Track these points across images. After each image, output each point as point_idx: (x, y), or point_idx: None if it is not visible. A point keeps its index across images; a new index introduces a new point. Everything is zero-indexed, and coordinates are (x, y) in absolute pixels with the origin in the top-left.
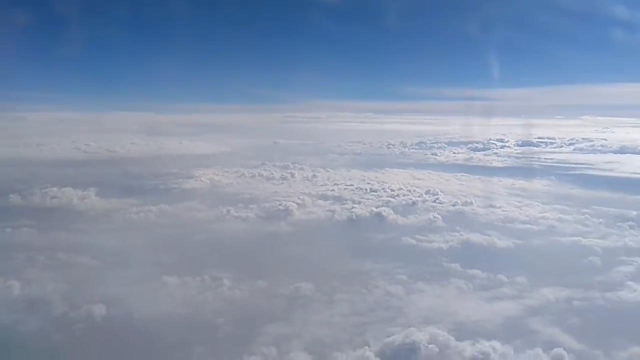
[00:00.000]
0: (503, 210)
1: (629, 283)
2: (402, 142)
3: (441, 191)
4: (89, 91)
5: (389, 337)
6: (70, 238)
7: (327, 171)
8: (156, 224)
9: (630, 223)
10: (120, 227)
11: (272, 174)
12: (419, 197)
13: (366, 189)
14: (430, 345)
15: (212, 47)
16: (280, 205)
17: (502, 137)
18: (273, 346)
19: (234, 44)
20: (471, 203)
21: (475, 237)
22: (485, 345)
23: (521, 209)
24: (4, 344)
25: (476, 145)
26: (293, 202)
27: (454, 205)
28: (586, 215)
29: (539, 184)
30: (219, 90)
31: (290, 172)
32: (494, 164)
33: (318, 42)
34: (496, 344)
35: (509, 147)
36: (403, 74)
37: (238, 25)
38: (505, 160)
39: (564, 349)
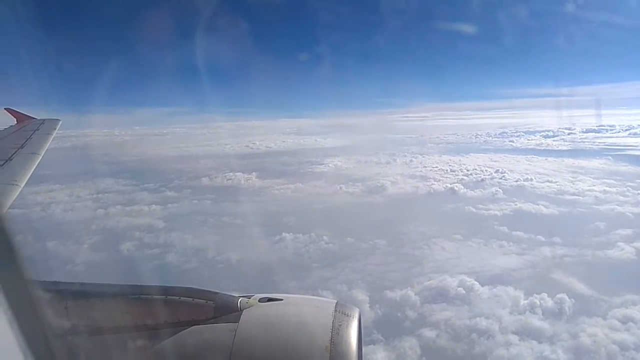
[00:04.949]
0: (557, 185)
1: (620, 244)
2: (487, 132)
3: (509, 170)
4: (266, 105)
5: (428, 281)
6: (233, 207)
7: (423, 157)
8: (290, 197)
9: None
10: (267, 199)
11: (380, 160)
12: (488, 175)
13: (447, 170)
14: (458, 288)
15: (349, 69)
16: (378, 183)
17: (571, 125)
18: (345, 284)
19: (364, 65)
20: (531, 179)
21: (527, 206)
22: (501, 289)
23: (573, 183)
24: (171, 277)
25: (547, 133)
26: (389, 180)
27: (516, 181)
28: (628, 188)
29: (595, 163)
30: (352, 99)
31: (393, 158)
32: (560, 147)
33: (428, 59)
34: (510, 289)
35: (574, 133)
36: (495, 78)
37: (365, 52)
38: (570, 144)
39: (567, 295)
